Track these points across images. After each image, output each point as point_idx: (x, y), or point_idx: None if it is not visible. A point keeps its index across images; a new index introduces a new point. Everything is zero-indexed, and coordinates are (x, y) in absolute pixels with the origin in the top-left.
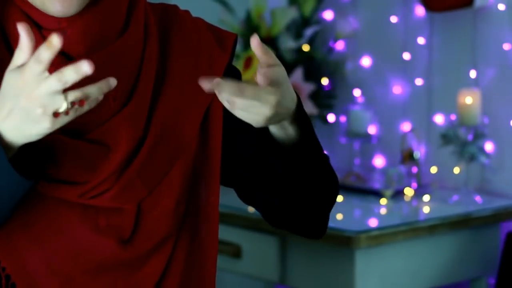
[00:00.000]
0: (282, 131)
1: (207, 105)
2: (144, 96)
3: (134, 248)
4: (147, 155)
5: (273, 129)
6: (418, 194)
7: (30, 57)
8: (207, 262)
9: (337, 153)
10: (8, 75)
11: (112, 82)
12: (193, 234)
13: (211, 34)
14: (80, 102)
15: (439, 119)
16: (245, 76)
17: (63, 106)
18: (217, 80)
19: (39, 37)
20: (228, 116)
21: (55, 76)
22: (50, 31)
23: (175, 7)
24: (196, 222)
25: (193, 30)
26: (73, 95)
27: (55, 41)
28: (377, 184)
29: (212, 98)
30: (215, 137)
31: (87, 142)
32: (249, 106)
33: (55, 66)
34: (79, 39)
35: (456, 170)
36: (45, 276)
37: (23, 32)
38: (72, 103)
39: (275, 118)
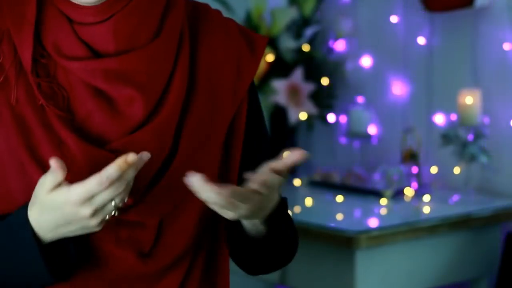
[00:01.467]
0: (252, 226)
1: (233, 115)
2: (174, 110)
3: (153, 262)
4: (176, 171)
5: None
6: (418, 194)
7: (63, 175)
8: (221, 279)
9: (337, 153)
10: (50, 196)
11: (146, 156)
12: (209, 249)
13: (242, 37)
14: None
15: (439, 119)
16: None
17: (113, 211)
18: (199, 181)
19: (71, 32)
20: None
21: (110, 189)
22: (81, 25)
23: (206, 6)
24: (213, 238)
25: (223, 33)
26: (119, 198)
27: (123, 163)
28: (377, 184)
29: (238, 108)
30: (237, 150)
31: (110, 152)
32: (227, 206)
33: (84, 62)
34: (109, 38)
35: (456, 170)
36: (62, 285)
37: (53, 159)
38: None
39: (248, 218)
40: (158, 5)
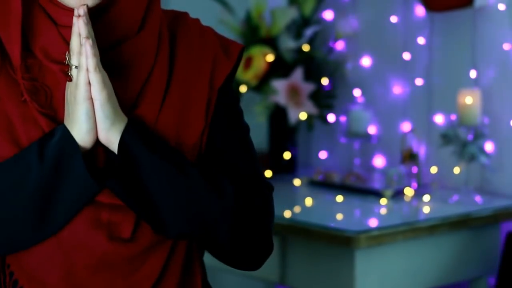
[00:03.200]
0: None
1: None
2: (152, 105)
3: (135, 245)
4: None
5: None
6: (418, 194)
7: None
8: (196, 261)
9: (337, 153)
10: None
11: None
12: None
13: (218, 41)
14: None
15: (439, 119)
16: (245, 76)
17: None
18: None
19: (56, 34)
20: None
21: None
22: (66, 28)
23: (185, 14)
24: None
25: (198, 36)
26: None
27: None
28: (377, 184)
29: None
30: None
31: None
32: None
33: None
34: (95, 39)
35: (456, 170)
36: (47, 270)
37: None
38: None
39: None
40: (140, 6)
